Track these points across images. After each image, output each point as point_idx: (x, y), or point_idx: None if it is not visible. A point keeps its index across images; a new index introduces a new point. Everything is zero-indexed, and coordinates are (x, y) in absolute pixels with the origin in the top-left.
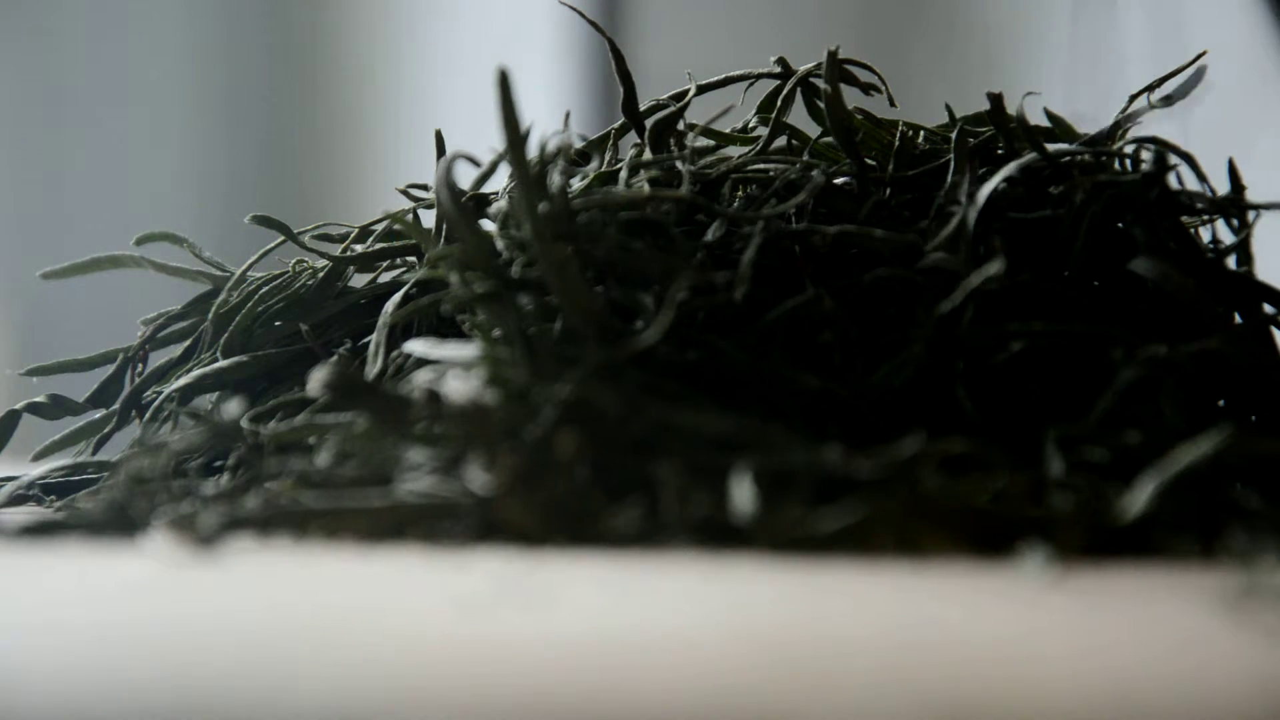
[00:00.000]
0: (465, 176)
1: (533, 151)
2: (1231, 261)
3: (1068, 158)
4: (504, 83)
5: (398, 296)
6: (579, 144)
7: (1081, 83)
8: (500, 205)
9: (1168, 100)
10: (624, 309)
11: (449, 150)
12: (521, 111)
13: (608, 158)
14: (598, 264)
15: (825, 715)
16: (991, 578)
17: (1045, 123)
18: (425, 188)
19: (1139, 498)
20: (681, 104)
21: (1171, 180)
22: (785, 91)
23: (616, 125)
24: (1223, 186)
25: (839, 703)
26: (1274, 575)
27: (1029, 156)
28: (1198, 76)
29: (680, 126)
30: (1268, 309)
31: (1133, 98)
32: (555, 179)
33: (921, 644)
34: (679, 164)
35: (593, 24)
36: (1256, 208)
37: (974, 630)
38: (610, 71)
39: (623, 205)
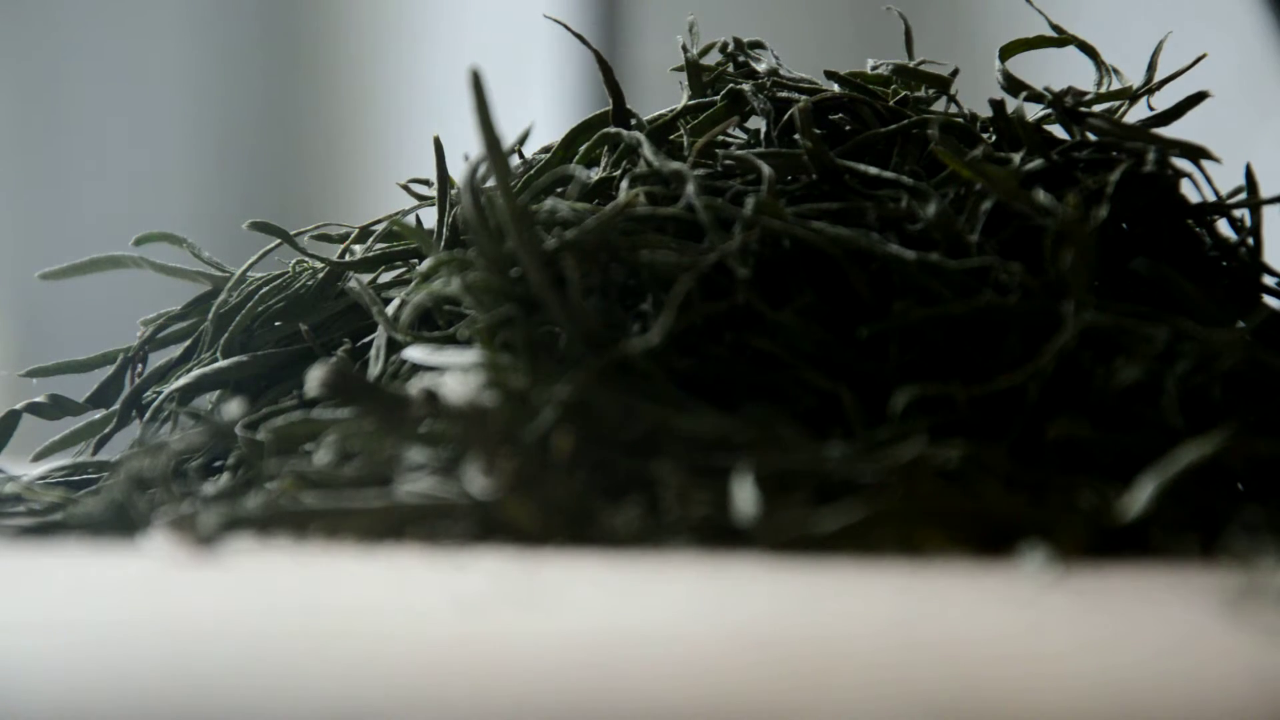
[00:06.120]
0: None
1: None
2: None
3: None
4: (477, 85)
5: (395, 304)
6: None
7: (1084, 83)
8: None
9: (1163, 119)
10: (624, 313)
11: (447, 154)
12: (497, 114)
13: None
14: (595, 271)
15: (825, 715)
16: (991, 578)
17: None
18: (427, 183)
19: (1139, 498)
20: (674, 114)
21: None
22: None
23: (609, 129)
24: (1224, 186)
25: (839, 703)
26: (1274, 575)
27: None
28: (1198, 97)
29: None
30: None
31: (1133, 99)
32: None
33: (921, 644)
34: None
35: (579, 37)
36: (1259, 204)
37: (974, 630)
38: (614, 73)
39: (616, 215)
